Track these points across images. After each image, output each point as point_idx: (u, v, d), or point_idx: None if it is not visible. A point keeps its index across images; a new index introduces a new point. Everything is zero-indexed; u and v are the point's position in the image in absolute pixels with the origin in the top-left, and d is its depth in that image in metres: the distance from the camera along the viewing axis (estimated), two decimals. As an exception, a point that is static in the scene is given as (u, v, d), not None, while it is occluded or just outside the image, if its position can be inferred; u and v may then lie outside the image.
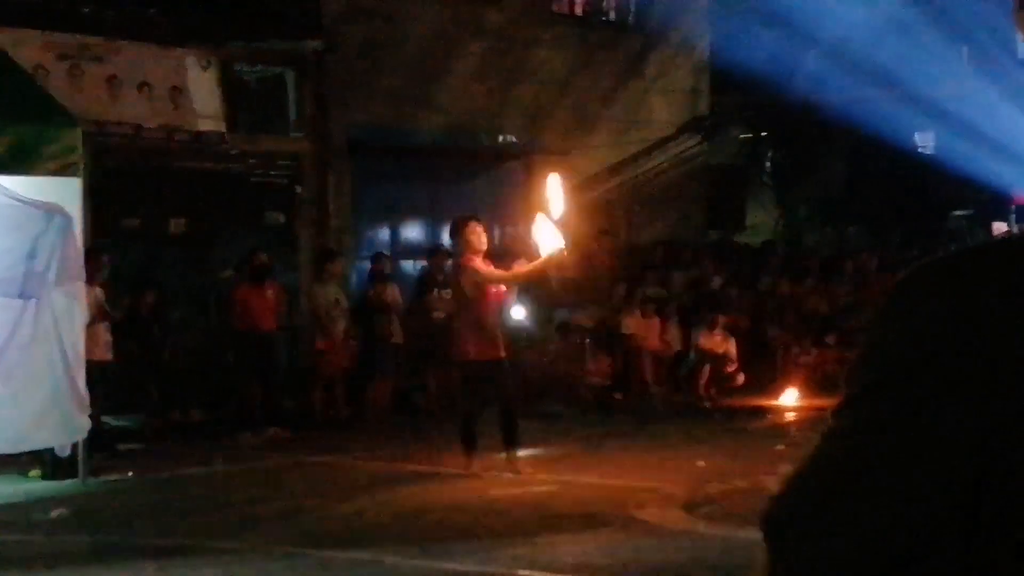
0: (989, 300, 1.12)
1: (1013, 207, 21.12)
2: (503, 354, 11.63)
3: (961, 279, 1.15)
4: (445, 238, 11.95)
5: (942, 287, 1.16)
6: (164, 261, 15.70)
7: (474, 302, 11.51)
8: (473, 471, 11.63)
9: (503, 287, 11.67)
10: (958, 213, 22.89)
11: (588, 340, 17.21)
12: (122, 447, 13.45)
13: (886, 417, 1.16)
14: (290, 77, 16.91)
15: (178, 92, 15.70)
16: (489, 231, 12.03)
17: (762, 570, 1.22)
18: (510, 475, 11.51)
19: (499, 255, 19.06)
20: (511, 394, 11.84)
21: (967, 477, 1.12)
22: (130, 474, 12.13)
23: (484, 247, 11.68)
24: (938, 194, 20.99)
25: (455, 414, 12.38)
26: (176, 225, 15.85)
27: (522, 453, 12.08)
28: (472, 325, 11.56)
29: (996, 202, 19.56)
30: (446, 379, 11.95)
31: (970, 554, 1.13)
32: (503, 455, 11.66)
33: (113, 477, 11.88)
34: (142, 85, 15.43)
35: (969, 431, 1.11)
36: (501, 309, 11.75)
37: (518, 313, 15.53)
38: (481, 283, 11.44)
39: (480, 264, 11.53)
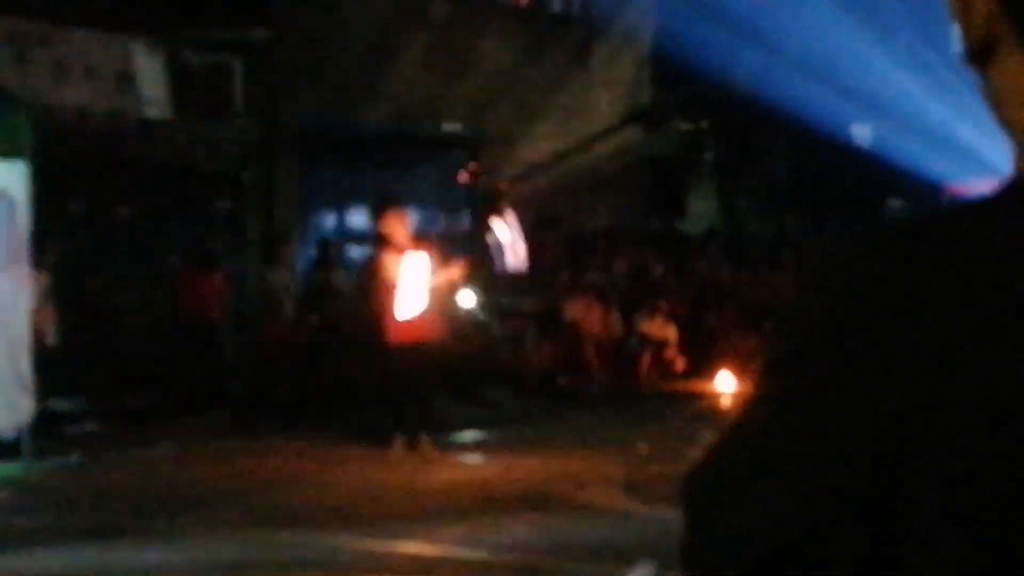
0: (905, 275, 1.10)
1: (947, 197, 21.46)
2: (426, 338, 11.74)
3: (878, 253, 1.14)
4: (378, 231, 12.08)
5: (859, 261, 1.14)
6: (111, 247, 15.67)
7: (391, 290, 11.66)
8: (398, 454, 11.73)
9: (423, 274, 11.77)
10: (894, 203, 23.20)
11: (532, 326, 17.39)
12: (68, 431, 13.46)
13: (797, 390, 1.14)
14: (238, 65, 16.89)
15: (125, 78, 15.66)
16: (432, 219, 12.13)
17: (678, 542, 1.21)
18: (420, 459, 11.62)
19: (443, 241, 19.25)
20: (430, 379, 11.95)
21: (876, 455, 1.10)
22: (75, 457, 12.13)
23: (403, 236, 11.76)
24: (875, 185, 21.28)
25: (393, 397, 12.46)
26: (122, 211, 15.82)
27: (465, 437, 12.23)
28: (393, 310, 11.69)
29: (930, 193, 19.87)
30: (387, 363, 12.05)
31: (878, 534, 1.12)
32: (418, 440, 11.80)
33: (58, 460, 11.88)
34: (89, 71, 15.38)
35: (880, 407, 1.10)
36: (423, 290, 11.79)
37: (466, 300, 15.68)
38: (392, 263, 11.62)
39: (388, 261, 11.64)
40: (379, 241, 11.95)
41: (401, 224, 11.78)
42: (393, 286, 11.63)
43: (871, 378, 1.10)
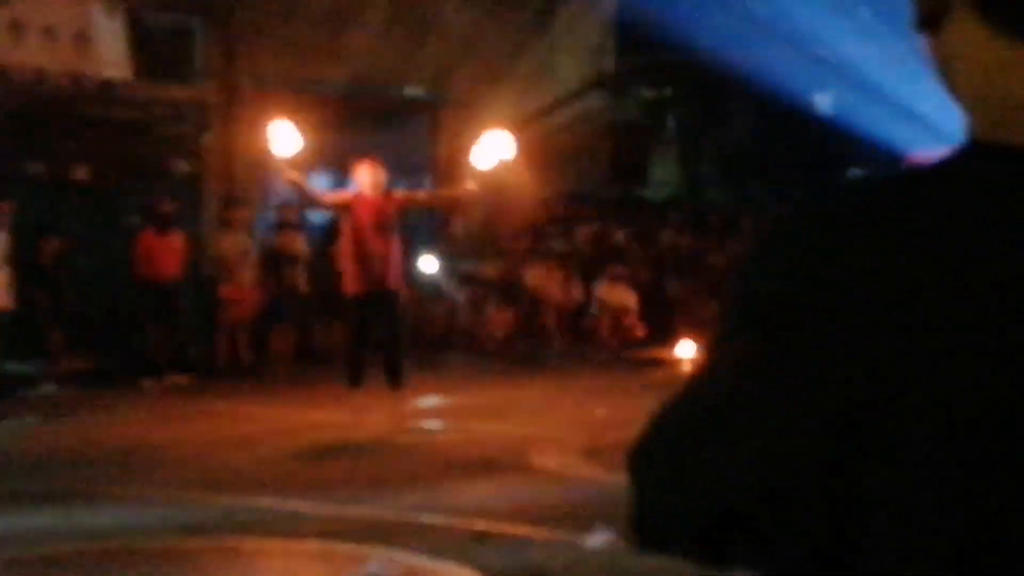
0: (856, 238, 1.11)
1: (905, 166, 21.48)
2: (387, 287, 11.44)
3: (827, 219, 1.15)
4: (351, 187, 11.91)
5: (808, 228, 1.15)
6: (68, 208, 15.56)
7: (352, 232, 11.44)
8: (353, 407, 11.52)
9: (385, 214, 11.58)
10: (855, 171, 23.28)
11: (492, 292, 17.40)
12: (23, 393, 13.40)
13: (746, 357, 1.15)
14: (198, 26, 16.76)
15: (83, 38, 15.50)
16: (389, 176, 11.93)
17: (629, 507, 1.21)
18: (386, 419, 11.48)
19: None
20: (394, 330, 11.73)
21: (825, 421, 1.10)
22: (31, 420, 12.09)
23: (370, 186, 11.59)
24: (836, 153, 21.32)
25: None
26: (80, 172, 15.70)
27: (424, 402, 12.22)
28: (352, 257, 11.42)
29: (890, 161, 19.93)
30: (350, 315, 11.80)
31: (828, 502, 1.12)
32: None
33: (14, 423, 11.83)
34: (46, 30, 15.22)
35: (829, 373, 1.10)
36: (386, 239, 11.49)
37: (428, 265, 15.65)
38: (351, 209, 11.44)
39: (355, 204, 11.45)
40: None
41: (365, 176, 11.61)
42: (361, 228, 11.39)
43: (819, 345, 1.10)
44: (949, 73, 1.18)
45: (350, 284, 11.44)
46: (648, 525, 1.21)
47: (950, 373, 1.07)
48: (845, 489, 1.11)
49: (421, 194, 11.87)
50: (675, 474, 1.17)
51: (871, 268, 1.10)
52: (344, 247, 11.58)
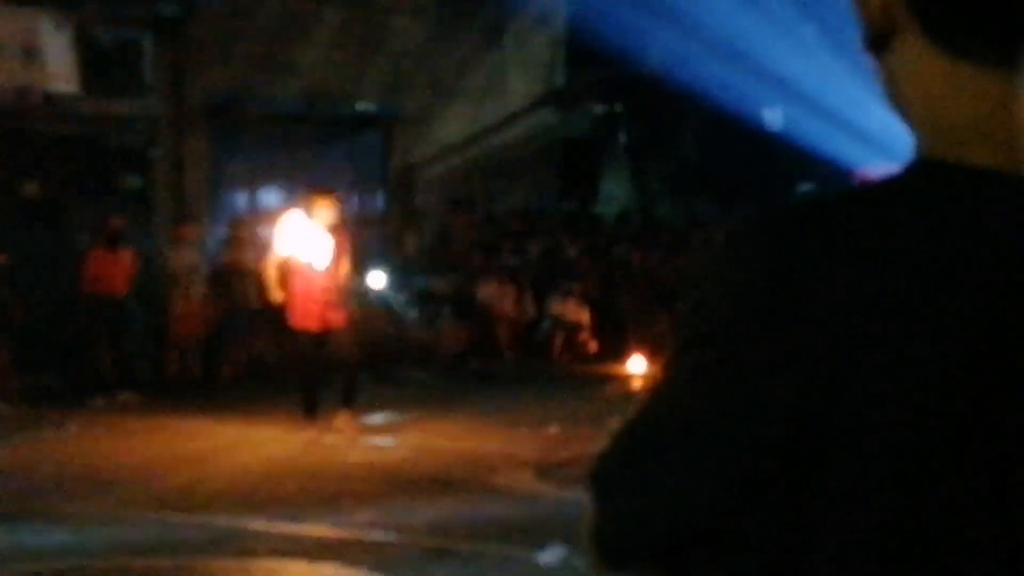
0: (807, 253, 1.13)
1: (856, 182, 21.65)
2: (332, 325, 11.71)
3: (780, 232, 1.16)
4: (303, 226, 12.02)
5: (762, 240, 1.16)
6: (16, 224, 15.39)
7: (294, 277, 11.67)
8: (312, 435, 11.70)
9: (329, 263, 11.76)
10: (804, 187, 23.41)
11: (445, 307, 17.36)
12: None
13: (701, 370, 1.16)
14: (147, 40, 16.65)
15: (31, 52, 15.37)
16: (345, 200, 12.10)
17: (586, 525, 1.22)
18: (337, 434, 11.68)
19: (356, 222, 19.15)
20: (346, 359, 11.92)
21: (781, 435, 1.12)
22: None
23: (327, 223, 11.71)
24: (785, 168, 21.44)
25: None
26: (29, 188, 15.55)
27: (376, 418, 12.20)
28: (297, 296, 11.72)
29: (839, 177, 20.07)
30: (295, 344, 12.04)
31: (783, 515, 1.14)
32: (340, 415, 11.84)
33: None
34: (-7, 45, 15.10)
35: (784, 383, 1.11)
36: (331, 281, 11.76)
37: (377, 280, 15.61)
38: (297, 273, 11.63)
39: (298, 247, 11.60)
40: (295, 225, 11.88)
41: (325, 209, 11.75)
42: (298, 272, 11.61)
43: (774, 356, 1.12)
44: (897, 92, 1.21)
45: (299, 320, 11.61)
46: (608, 543, 1.21)
47: (902, 386, 1.09)
48: (797, 503, 1.12)
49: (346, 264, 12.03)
50: (633, 491, 1.18)
51: (822, 281, 1.11)
52: (292, 289, 11.66)
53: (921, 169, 1.17)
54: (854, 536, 1.11)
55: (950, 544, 1.09)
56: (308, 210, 11.86)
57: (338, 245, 11.82)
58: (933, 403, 1.09)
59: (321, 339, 11.77)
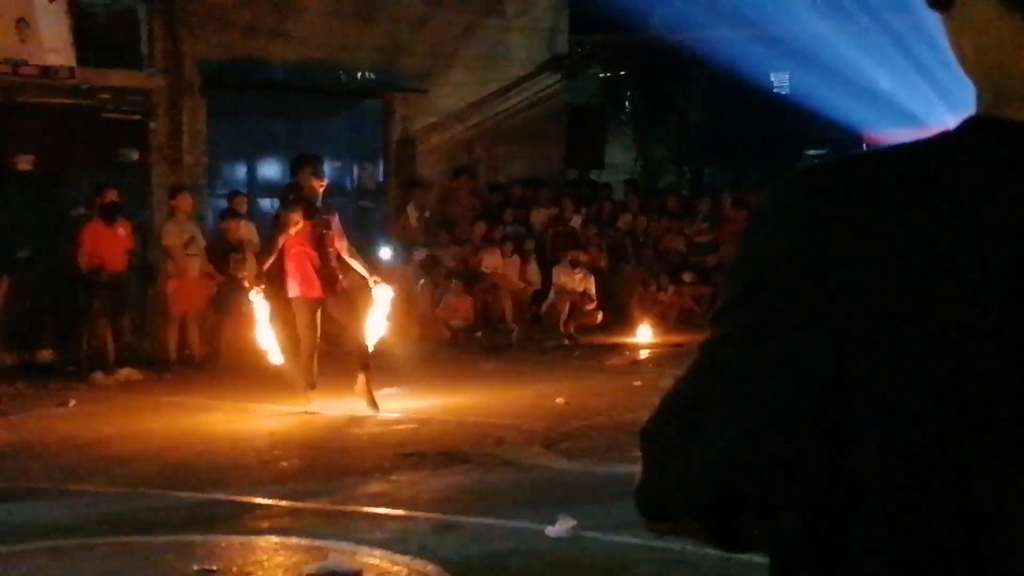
0: (842, 213, 1.13)
1: (864, 146, 21.54)
2: (333, 292, 11.60)
3: (825, 190, 1.16)
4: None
5: (798, 201, 1.17)
6: (11, 199, 15.23)
7: (296, 245, 11.52)
8: (311, 408, 11.65)
9: (330, 235, 11.66)
10: (812, 152, 23.28)
11: (452, 279, 17.19)
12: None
13: (742, 331, 1.18)
14: (141, 10, 16.45)
15: (24, 25, 15.16)
16: (349, 169, 11.97)
17: (637, 481, 1.25)
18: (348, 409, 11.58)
19: (356, 193, 18.97)
20: (354, 328, 11.80)
21: (819, 391, 1.13)
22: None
23: (315, 194, 11.61)
24: (793, 133, 21.32)
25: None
26: (24, 162, 15.37)
27: (383, 392, 12.08)
28: (298, 264, 11.57)
29: (848, 141, 19.92)
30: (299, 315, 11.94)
31: (821, 473, 1.15)
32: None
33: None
34: (-14, 18, 14.90)
35: (820, 345, 1.13)
36: (329, 251, 11.69)
37: (384, 254, 15.50)
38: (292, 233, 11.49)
39: (294, 220, 11.46)
40: (291, 197, 11.71)
41: (316, 183, 11.60)
42: (297, 248, 11.47)
43: (809, 316, 1.13)
44: (959, 49, 1.21)
45: (300, 289, 11.44)
46: (653, 501, 1.25)
47: (952, 338, 1.10)
48: (838, 460, 1.14)
49: (343, 244, 11.89)
50: (678, 449, 1.21)
51: (872, 237, 1.12)
52: (292, 260, 11.53)
53: (977, 125, 1.17)
54: (894, 495, 1.12)
55: (990, 498, 1.10)
56: (295, 178, 11.75)
57: (329, 212, 11.79)
58: (977, 357, 1.09)
59: (322, 307, 11.59)
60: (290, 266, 11.61)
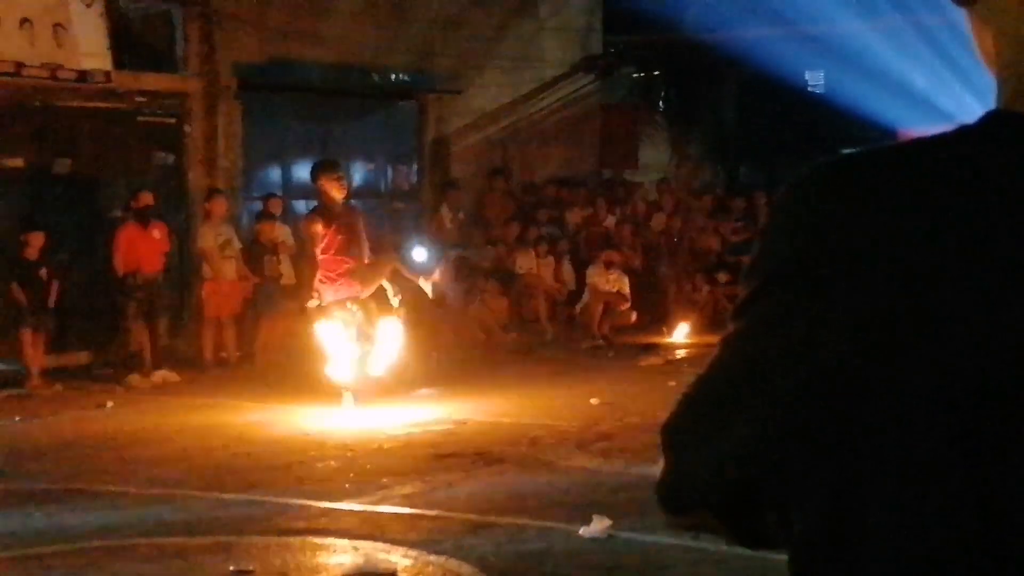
0: (861, 205, 1.13)
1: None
2: (355, 293, 11.69)
3: (834, 185, 1.17)
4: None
5: (817, 193, 1.17)
6: (49, 202, 15.32)
7: (323, 253, 11.62)
8: (346, 408, 11.75)
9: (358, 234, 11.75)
10: (847, 151, 23.16)
11: (488, 280, 17.18)
12: (6, 392, 13.23)
13: (760, 322, 1.18)
14: (177, 13, 16.53)
15: (61, 29, 15.27)
16: (379, 170, 12.04)
17: (660, 475, 1.26)
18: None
19: (390, 195, 19.01)
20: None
21: (837, 381, 1.13)
22: (16, 419, 11.93)
23: (337, 200, 11.66)
24: (827, 131, 21.20)
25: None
26: (61, 165, 15.46)
27: (418, 393, 12.10)
28: (330, 270, 11.69)
29: (882, 138, 19.79)
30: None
31: (838, 466, 1.14)
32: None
33: (-1, 422, 11.70)
34: (23, 22, 14.97)
35: (838, 336, 1.12)
36: (360, 250, 11.81)
37: (418, 255, 15.53)
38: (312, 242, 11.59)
39: (315, 232, 11.53)
40: (317, 203, 11.84)
41: (336, 188, 11.65)
42: (316, 260, 11.58)
43: (830, 306, 1.12)
44: (982, 44, 1.22)
45: (339, 292, 11.64)
46: (675, 496, 1.25)
47: (971, 330, 1.09)
48: (855, 453, 1.13)
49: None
50: (700, 444, 1.21)
51: (890, 229, 1.11)
52: (323, 268, 11.69)
53: (996, 119, 1.17)
54: (912, 488, 1.11)
55: (1008, 491, 1.09)
56: (316, 183, 11.81)
57: (354, 215, 11.86)
58: (994, 348, 1.08)
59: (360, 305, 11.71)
60: (323, 274, 11.68)
